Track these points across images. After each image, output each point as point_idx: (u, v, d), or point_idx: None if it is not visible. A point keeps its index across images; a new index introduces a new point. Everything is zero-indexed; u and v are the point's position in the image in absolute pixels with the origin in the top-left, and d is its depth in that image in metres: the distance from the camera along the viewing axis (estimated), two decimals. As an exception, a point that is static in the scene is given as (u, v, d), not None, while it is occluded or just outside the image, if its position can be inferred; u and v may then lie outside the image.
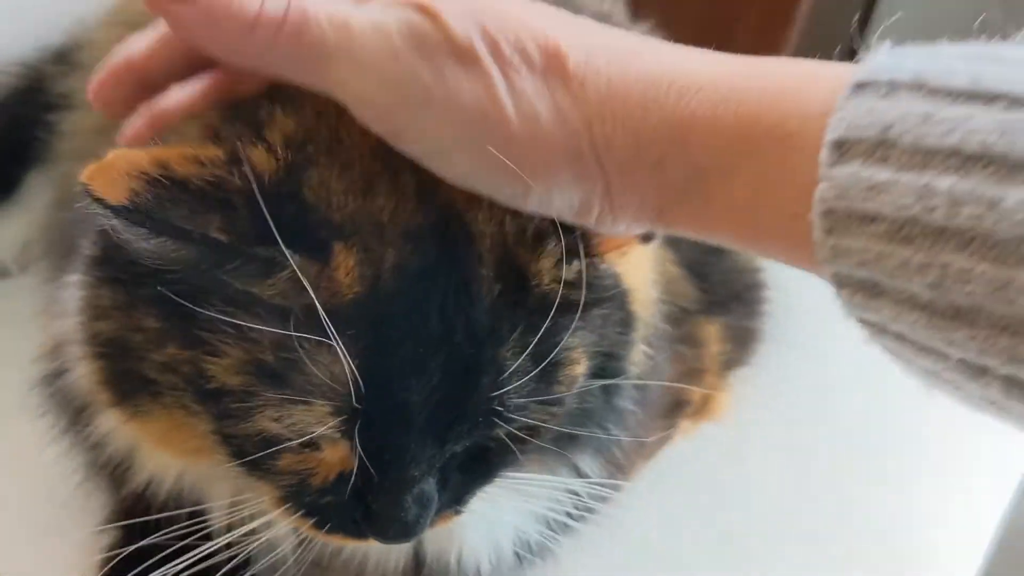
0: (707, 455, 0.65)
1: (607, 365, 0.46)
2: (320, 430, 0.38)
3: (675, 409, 0.64)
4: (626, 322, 0.47)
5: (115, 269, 0.42)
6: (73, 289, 0.45)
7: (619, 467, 0.53)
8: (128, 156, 0.37)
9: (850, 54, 0.32)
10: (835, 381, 0.72)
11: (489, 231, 0.40)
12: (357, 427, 0.38)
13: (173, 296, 0.39)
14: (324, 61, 0.35)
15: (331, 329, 0.36)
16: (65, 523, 0.53)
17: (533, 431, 0.42)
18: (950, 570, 0.65)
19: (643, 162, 0.33)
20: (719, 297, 0.68)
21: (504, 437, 0.42)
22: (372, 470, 0.39)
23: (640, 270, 0.49)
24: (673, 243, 0.63)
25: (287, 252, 0.37)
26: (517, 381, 0.39)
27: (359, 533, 0.42)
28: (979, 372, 0.28)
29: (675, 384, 0.59)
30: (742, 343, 0.72)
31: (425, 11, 0.34)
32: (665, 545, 0.57)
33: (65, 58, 0.77)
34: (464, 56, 0.34)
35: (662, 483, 0.60)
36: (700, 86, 0.32)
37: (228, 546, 0.46)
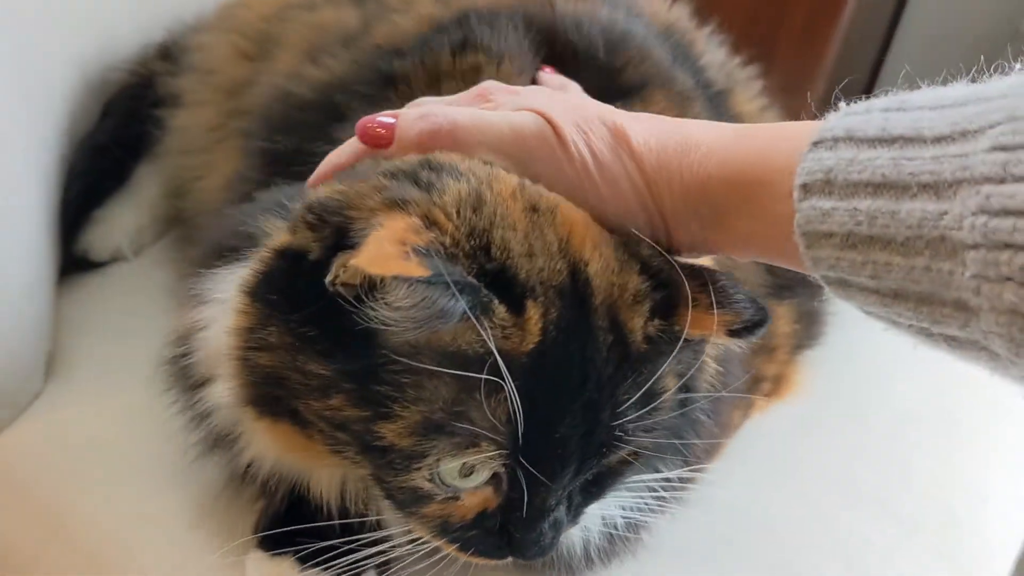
0: (781, 429, 0.68)
1: (684, 384, 0.50)
2: (483, 469, 0.44)
3: (751, 387, 0.67)
4: (698, 346, 0.50)
5: (288, 315, 0.44)
6: (220, 305, 0.49)
7: (698, 459, 0.57)
8: (383, 241, 0.41)
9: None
10: (894, 360, 0.75)
11: (604, 285, 0.45)
12: (518, 462, 0.43)
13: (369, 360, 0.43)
14: (470, 149, 0.48)
15: (507, 374, 0.41)
16: (167, 470, 0.58)
17: (637, 454, 0.48)
18: (1000, 534, 0.68)
19: (685, 209, 0.46)
20: (786, 281, 0.70)
21: (617, 461, 0.48)
22: (519, 501, 0.45)
23: None
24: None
25: (496, 299, 0.42)
26: (632, 414, 0.45)
27: (501, 556, 0.48)
28: (926, 333, 0.37)
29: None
30: (810, 324, 0.75)
31: (540, 114, 0.48)
32: (745, 511, 0.61)
33: (172, 57, 0.82)
34: (566, 146, 0.47)
35: (742, 454, 0.64)
36: (712, 152, 0.45)
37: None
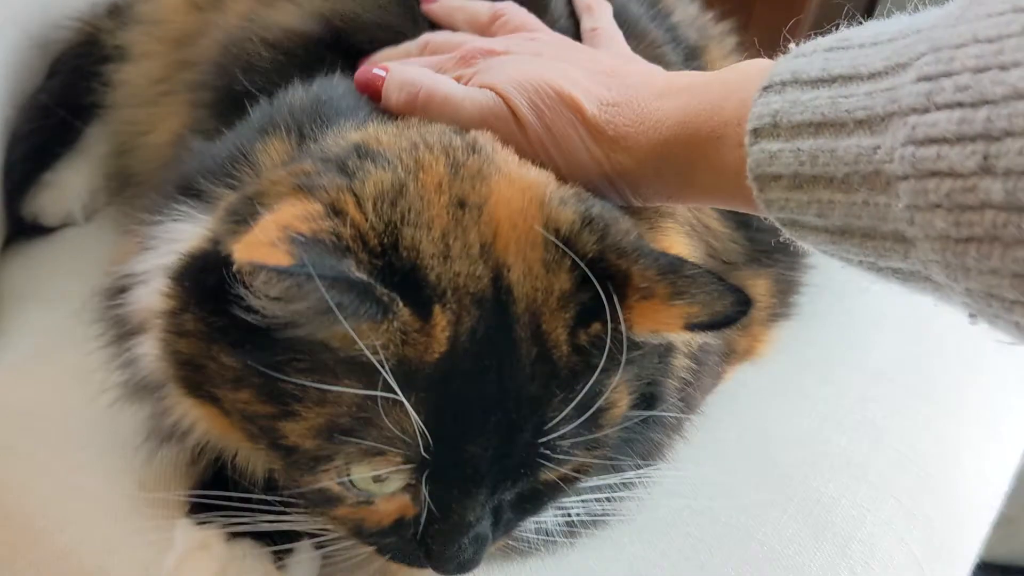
0: (751, 394, 0.66)
1: (647, 392, 0.48)
2: (391, 483, 0.41)
3: (722, 358, 0.65)
4: (665, 352, 0.49)
5: (201, 304, 0.43)
6: (159, 260, 0.47)
7: (661, 451, 0.55)
8: (266, 227, 0.39)
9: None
10: (866, 326, 0.73)
11: (525, 292, 0.42)
12: (425, 476, 0.41)
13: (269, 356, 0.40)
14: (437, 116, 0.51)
15: (397, 387, 0.39)
16: (104, 437, 0.56)
17: (581, 470, 0.45)
18: (974, 495, 0.67)
19: (648, 171, 0.47)
20: (765, 248, 0.68)
21: (555, 479, 0.44)
22: (436, 514, 0.42)
23: None
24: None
25: (400, 300, 0.39)
26: (562, 430, 0.42)
27: (419, 564, 0.45)
28: (875, 268, 0.38)
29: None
30: (787, 295, 0.72)
31: (498, 92, 0.50)
32: (712, 474, 0.58)
33: (119, 12, 0.79)
34: (522, 124, 0.49)
35: (711, 417, 0.61)
36: (667, 116, 0.46)
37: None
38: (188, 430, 0.48)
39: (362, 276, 0.39)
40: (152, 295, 0.46)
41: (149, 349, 0.47)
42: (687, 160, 0.45)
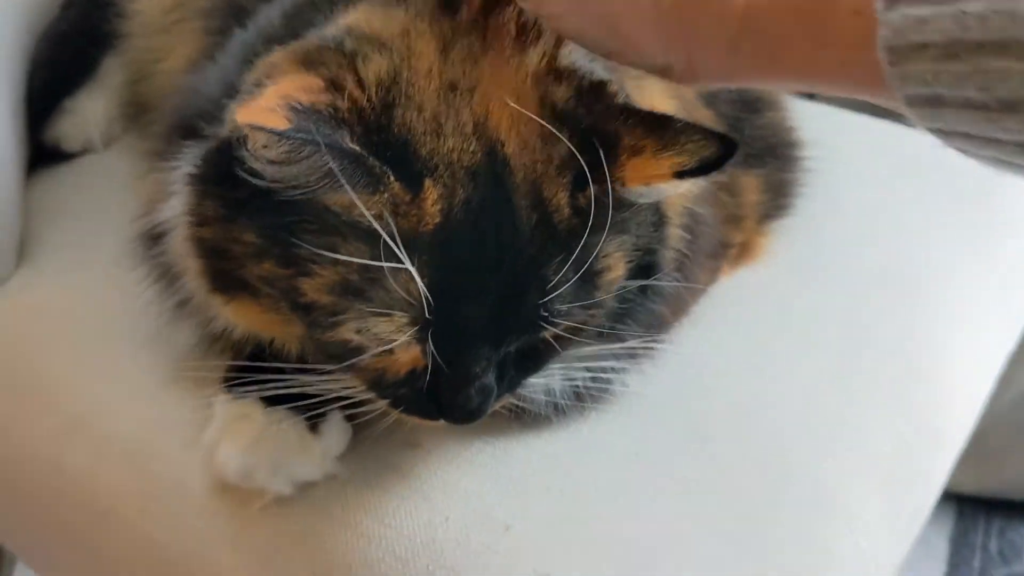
0: (746, 292, 0.69)
1: (644, 262, 0.51)
2: (400, 338, 0.44)
3: (718, 252, 0.68)
4: (659, 222, 0.51)
5: (219, 185, 0.46)
6: (180, 184, 0.50)
7: (662, 326, 0.58)
8: (268, 96, 0.42)
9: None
10: (860, 231, 0.76)
11: (523, 164, 0.45)
12: (430, 333, 0.44)
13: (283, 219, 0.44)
14: None
15: (403, 253, 0.42)
16: (142, 333, 0.59)
17: (576, 331, 0.48)
18: (961, 388, 0.71)
19: (720, 40, 0.41)
20: (755, 151, 0.71)
21: (551, 338, 0.48)
22: (443, 367, 0.45)
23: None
24: (710, 102, 0.66)
25: (392, 174, 0.42)
26: (559, 291, 0.44)
27: (431, 416, 0.48)
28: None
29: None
30: (779, 194, 0.75)
31: None
32: (708, 363, 0.61)
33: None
34: None
35: (708, 313, 0.65)
36: None
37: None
38: (233, 329, 0.52)
39: (355, 147, 0.42)
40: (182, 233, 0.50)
41: (193, 286, 0.51)
42: (781, 31, 0.39)
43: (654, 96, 0.55)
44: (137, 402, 0.57)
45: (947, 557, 1.40)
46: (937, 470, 0.67)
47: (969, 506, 1.46)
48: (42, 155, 0.78)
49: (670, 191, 0.49)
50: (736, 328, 0.66)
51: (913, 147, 0.87)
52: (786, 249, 0.73)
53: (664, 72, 0.44)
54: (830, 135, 0.78)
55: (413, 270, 0.42)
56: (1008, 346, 0.83)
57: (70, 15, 0.80)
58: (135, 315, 0.58)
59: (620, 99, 0.47)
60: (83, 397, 0.59)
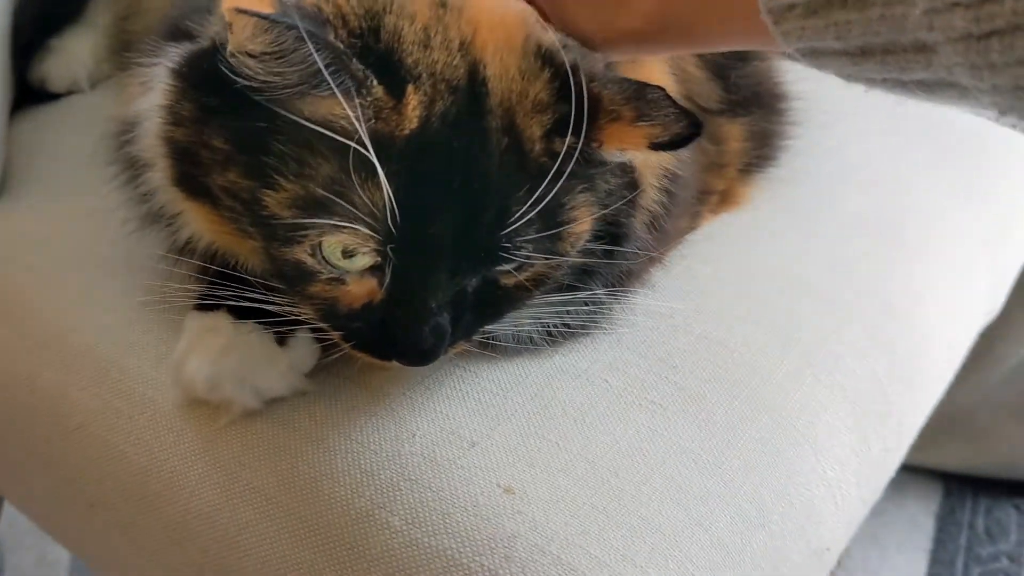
0: (727, 234, 0.69)
1: (611, 230, 0.51)
2: (361, 254, 0.45)
3: (700, 198, 0.69)
4: (630, 186, 0.51)
5: (197, 88, 0.47)
6: (160, 80, 0.50)
7: (634, 278, 0.59)
8: None
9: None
10: (843, 182, 0.77)
11: (501, 88, 0.45)
12: (390, 249, 0.44)
13: (255, 124, 0.44)
14: None
15: (374, 158, 0.42)
16: (117, 260, 0.61)
17: (536, 282, 0.49)
18: (941, 332, 0.71)
19: (652, 30, 0.46)
20: (740, 98, 0.71)
21: (510, 285, 0.48)
22: (399, 296, 0.45)
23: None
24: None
25: (375, 79, 0.43)
26: (520, 225, 0.45)
27: (384, 355, 0.48)
28: (901, 84, 0.39)
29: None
30: (764, 143, 0.75)
31: None
32: (688, 297, 0.62)
33: None
34: None
35: (689, 252, 0.65)
36: None
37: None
38: (198, 240, 0.52)
39: (338, 44, 0.42)
40: (156, 124, 0.50)
41: (157, 179, 0.51)
42: (693, 9, 0.45)
43: (649, 65, 0.56)
44: (109, 322, 0.58)
45: (933, 534, 1.41)
46: (910, 412, 0.67)
47: (956, 484, 1.47)
48: (28, 95, 0.79)
49: (642, 158, 0.50)
50: (716, 268, 0.66)
51: (903, 102, 0.88)
52: (770, 196, 0.74)
53: (586, 42, 0.48)
54: (818, 87, 0.79)
55: (381, 173, 0.42)
56: (991, 301, 0.83)
57: (57, -48, 0.81)
58: (108, 244, 0.60)
59: (602, 65, 0.48)
60: (57, 318, 0.59)
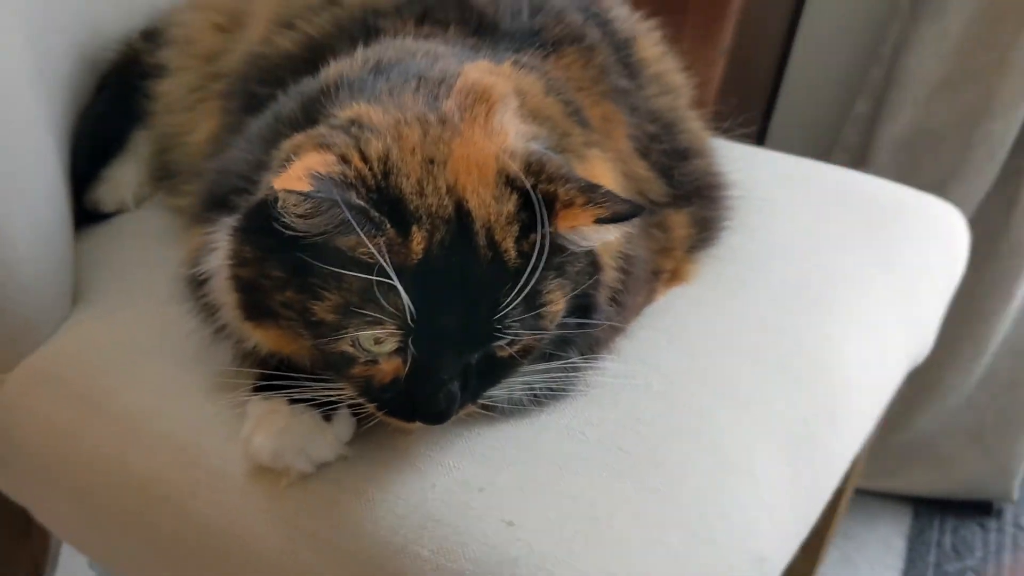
0: (676, 306, 0.83)
1: (581, 302, 0.64)
2: (387, 342, 0.58)
3: (653, 276, 0.82)
4: (593, 266, 0.64)
5: (256, 236, 0.60)
6: (224, 236, 0.63)
7: (602, 346, 0.72)
8: (296, 168, 0.57)
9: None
10: (771, 259, 0.90)
11: (481, 215, 0.58)
12: (411, 340, 0.57)
13: (303, 256, 0.58)
14: None
15: (394, 276, 0.55)
16: (187, 357, 0.73)
17: (525, 352, 0.62)
18: (858, 380, 0.85)
19: None
20: (683, 192, 0.85)
21: (505, 357, 0.61)
22: (418, 369, 0.58)
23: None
24: (644, 154, 0.81)
25: (388, 223, 0.57)
26: (508, 309, 0.58)
27: (409, 417, 0.61)
28: None
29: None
30: (705, 228, 0.88)
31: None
32: (643, 362, 0.75)
33: (153, 37, 0.96)
34: None
35: (645, 322, 0.79)
36: None
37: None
38: (261, 348, 0.66)
39: (360, 202, 0.57)
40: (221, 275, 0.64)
41: (229, 316, 0.65)
42: None
43: (595, 164, 0.70)
44: (185, 408, 0.71)
45: (904, 554, 1.52)
46: (837, 447, 0.81)
47: (924, 506, 1.59)
48: (82, 216, 0.92)
49: (599, 237, 0.63)
50: (669, 336, 0.79)
51: (832, 182, 1.03)
52: (711, 271, 0.87)
53: None
54: (756, 174, 0.93)
55: (400, 288, 0.57)
56: (916, 347, 0.97)
57: (104, 96, 0.95)
58: (178, 341, 0.73)
59: (563, 171, 0.62)
60: (139, 407, 0.73)
